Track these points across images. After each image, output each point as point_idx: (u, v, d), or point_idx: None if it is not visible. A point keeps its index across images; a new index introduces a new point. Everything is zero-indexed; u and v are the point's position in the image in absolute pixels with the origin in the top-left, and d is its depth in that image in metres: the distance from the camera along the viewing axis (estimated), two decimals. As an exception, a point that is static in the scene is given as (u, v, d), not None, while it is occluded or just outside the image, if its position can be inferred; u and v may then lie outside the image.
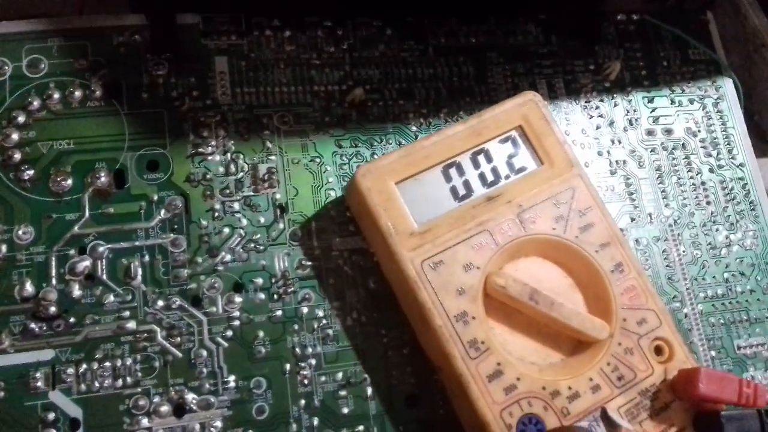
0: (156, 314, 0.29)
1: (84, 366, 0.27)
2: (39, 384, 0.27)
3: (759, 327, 0.34)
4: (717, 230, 0.35)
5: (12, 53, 0.30)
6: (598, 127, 0.35)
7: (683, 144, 0.36)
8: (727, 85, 0.38)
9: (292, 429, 0.28)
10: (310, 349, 0.29)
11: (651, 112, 0.36)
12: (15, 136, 0.29)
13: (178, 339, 0.28)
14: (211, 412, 0.28)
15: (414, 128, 0.33)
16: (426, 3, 0.35)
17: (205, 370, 0.28)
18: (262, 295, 0.30)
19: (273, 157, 0.31)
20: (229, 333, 0.29)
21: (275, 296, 0.30)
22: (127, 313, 0.28)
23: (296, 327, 0.29)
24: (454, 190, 0.30)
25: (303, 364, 0.29)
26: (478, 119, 0.30)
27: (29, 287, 0.28)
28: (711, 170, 0.36)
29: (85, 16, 0.32)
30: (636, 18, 0.38)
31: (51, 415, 0.27)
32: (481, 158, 0.30)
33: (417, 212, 0.29)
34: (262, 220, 0.31)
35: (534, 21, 0.37)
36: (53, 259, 0.28)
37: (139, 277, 0.29)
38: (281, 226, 0.31)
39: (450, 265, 0.28)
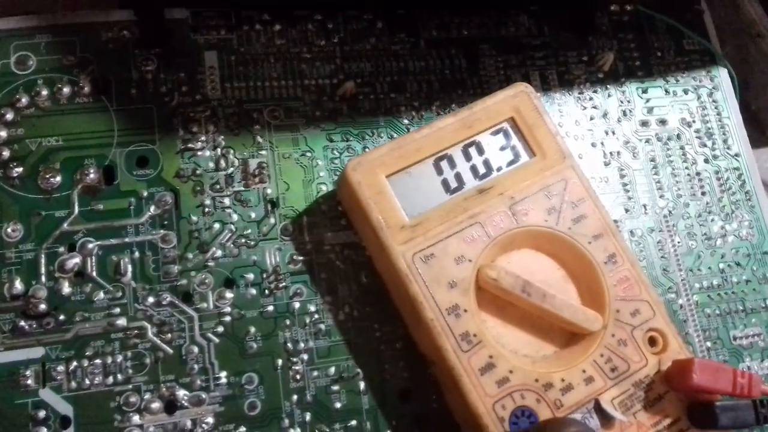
0: (146, 311, 0.28)
1: (74, 363, 0.27)
2: (29, 382, 0.27)
3: (755, 317, 0.34)
4: (712, 221, 0.35)
5: (0, 50, 0.30)
6: (591, 119, 0.35)
7: (678, 134, 0.36)
8: (722, 75, 0.37)
9: (285, 424, 0.28)
10: (302, 344, 0.29)
11: (645, 103, 0.36)
12: (3, 133, 0.29)
13: (169, 335, 0.28)
14: (203, 408, 0.28)
15: (406, 121, 0.33)
16: (417, -5, 0.35)
17: (196, 367, 0.28)
18: (253, 291, 0.29)
19: (263, 152, 0.31)
20: (221, 329, 0.29)
21: (267, 291, 0.30)
22: (117, 310, 0.28)
23: (288, 322, 0.29)
24: (445, 183, 0.29)
25: (295, 360, 0.29)
26: (469, 111, 0.30)
27: (18, 285, 0.28)
28: (706, 160, 0.36)
29: (73, 13, 0.32)
30: (629, 8, 0.37)
31: (41, 413, 0.27)
32: (472, 150, 0.30)
33: (408, 205, 0.29)
34: (253, 215, 0.30)
35: (526, 12, 0.36)
36: (42, 256, 0.28)
37: (129, 274, 0.29)
38: (272, 221, 0.30)
39: (441, 258, 0.28)
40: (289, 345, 0.29)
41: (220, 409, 0.28)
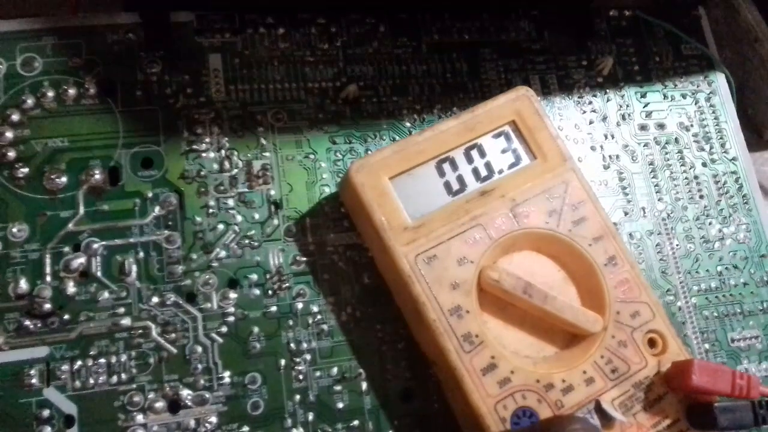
0: (151, 311, 0.29)
1: (79, 363, 0.28)
2: (33, 381, 0.27)
3: (752, 320, 0.34)
4: (710, 224, 0.35)
5: (6, 52, 0.30)
6: (591, 122, 0.36)
7: (676, 138, 0.36)
8: (720, 80, 0.38)
9: (287, 424, 0.28)
10: (305, 345, 0.29)
11: (644, 107, 0.36)
12: (9, 134, 0.29)
13: (173, 335, 0.29)
14: (206, 407, 0.28)
15: (408, 124, 0.33)
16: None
17: (200, 366, 0.28)
18: (256, 291, 0.30)
19: (267, 154, 0.31)
20: (224, 329, 0.29)
21: (270, 292, 0.30)
22: (121, 310, 0.28)
23: (291, 323, 0.30)
24: (447, 185, 0.30)
25: (298, 360, 0.29)
26: (471, 114, 0.30)
27: (24, 284, 0.28)
28: (704, 164, 0.36)
29: (79, 15, 0.32)
30: (628, 14, 0.38)
31: (46, 412, 0.27)
32: (474, 153, 0.30)
33: (411, 207, 0.29)
34: (257, 216, 0.31)
35: (527, 17, 0.37)
36: (48, 256, 0.28)
37: (134, 274, 0.29)
38: (276, 222, 0.31)
39: (444, 259, 0.28)
40: (292, 345, 0.29)
41: (224, 408, 0.28)
